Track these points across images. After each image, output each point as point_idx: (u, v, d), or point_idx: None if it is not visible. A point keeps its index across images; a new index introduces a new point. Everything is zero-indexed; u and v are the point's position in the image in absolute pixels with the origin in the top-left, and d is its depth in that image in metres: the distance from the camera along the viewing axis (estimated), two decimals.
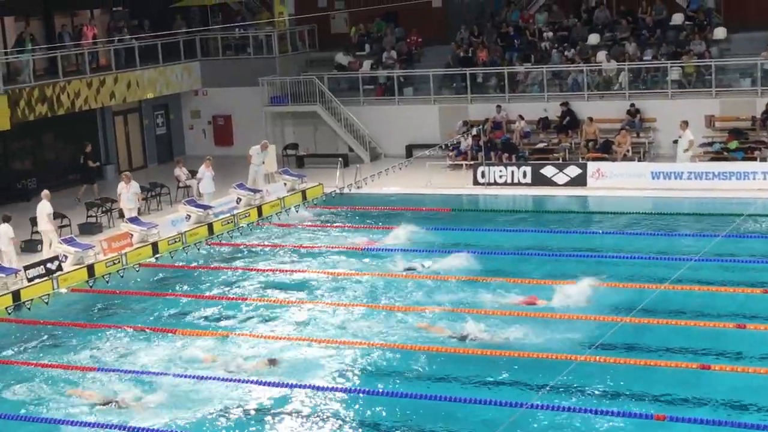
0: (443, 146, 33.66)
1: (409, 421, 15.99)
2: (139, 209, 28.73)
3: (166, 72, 36.93)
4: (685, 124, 30.68)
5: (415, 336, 19.33)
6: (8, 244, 24.50)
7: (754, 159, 30.50)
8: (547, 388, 16.11)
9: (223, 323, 21.03)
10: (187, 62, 38.17)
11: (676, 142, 31.10)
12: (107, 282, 23.95)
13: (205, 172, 30.16)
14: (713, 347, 17.97)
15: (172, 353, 19.29)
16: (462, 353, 18.42)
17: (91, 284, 24.09)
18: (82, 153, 32.68)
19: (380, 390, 17.19)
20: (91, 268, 24.73)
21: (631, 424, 15.30)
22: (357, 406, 16.70)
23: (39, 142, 34.44)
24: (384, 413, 16.34)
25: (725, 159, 30.74)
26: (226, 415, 16.67)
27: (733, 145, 31.31)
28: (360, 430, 15.96)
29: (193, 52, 38.85)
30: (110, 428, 16.28)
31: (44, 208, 25.74)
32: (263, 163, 32.14)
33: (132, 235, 26.56)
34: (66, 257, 24.86)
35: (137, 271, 24.87)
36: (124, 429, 16.13)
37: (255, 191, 30.56)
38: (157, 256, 26.23)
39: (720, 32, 35.12)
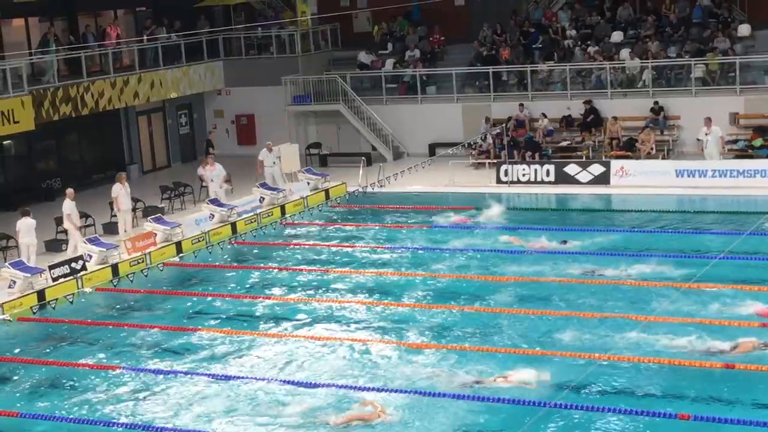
0: (466, 145, 33.64)
1: None
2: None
3: (189, 72, 37.05)
4: (709, 120, 30.51)
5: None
6: (26, 236, 24.63)
7: None
8: None
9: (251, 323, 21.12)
10: (210, 62, 38.28)
11: (699, 140, 30.87)
12: (131, 281, 24.05)
13: (207, 172, 30.62)
14: None
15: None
16: None
17: (115, 283, 24.19)
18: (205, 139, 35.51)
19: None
20: (115, 268, 24.83)
21: None
22: None
23: (63, 142, 34.66)
24: None
25: (750, 156, 30.57)
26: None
27: (758, 142, 31.13)
28: None
29: (216, 51, 38.97)
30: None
31: (67, 207, 25.89)
32: (273, 164, 32.11)
33: (156, 234, 26.65)
34: (90, 257, 24.98)
35: (161, 270, 24.97)
36: None
37: (278, 190, 30.61)
38: (180, 255, 26.33)
39: (744, 29, 34.92)
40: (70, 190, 26.45)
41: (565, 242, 24.32)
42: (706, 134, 30.37)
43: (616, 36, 36.29)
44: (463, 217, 27.95)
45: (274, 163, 32.14)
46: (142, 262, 25.40)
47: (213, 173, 30.32)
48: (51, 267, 23.82)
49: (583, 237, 25.12)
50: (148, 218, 27.72)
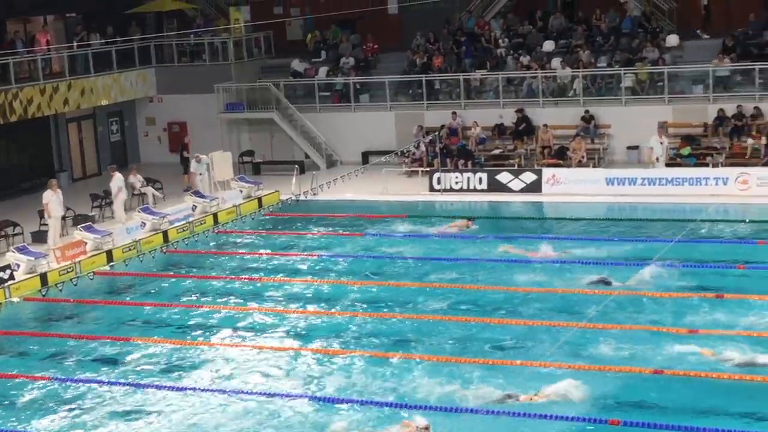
0: (399, 153, 33.72)
1: None
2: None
3: (120, 79, 36.69)
4: (662, 129, 30.90)
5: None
6: None
7: (706, 165, 30.81)
8: None
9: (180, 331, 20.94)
10: (141, 69, 37.94)
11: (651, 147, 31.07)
12: (60, 290, 23.72)
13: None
14: None
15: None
16: None
17: (44, 293, 23.83)
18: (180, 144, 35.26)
19: None
20: (44, 277, 24.46)
21: None
22: None
23: None
24: None
25: (678, 165, 31.04)
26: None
27: (686, 151, 31.60)
28: None
29: (148, 58, 38.62)
30: None
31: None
32: (201, 174, 31.87)
33: (86, 243, 26.32)
34: (18, 266, 24.58)
35: (91, 279, 24.67)
36: None
37: (211, 198, 30.40)
38: (111, 264, 26.02)
39: (673, 39, 35.48)
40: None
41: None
42: (661, 142, 30.71)
43: (548, 45, 36.66)
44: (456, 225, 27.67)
45: (200, 174, 31.83)
46: (72, 271, 25.05)
47: (112, 183, 29.72)
48: None
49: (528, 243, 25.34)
50: (78, 227, 27.36)
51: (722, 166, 30.52)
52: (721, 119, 32.08)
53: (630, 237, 25.53)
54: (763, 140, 30.83)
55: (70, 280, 24.35)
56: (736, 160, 30.90)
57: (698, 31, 35.93)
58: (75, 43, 35.95)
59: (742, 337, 18.32)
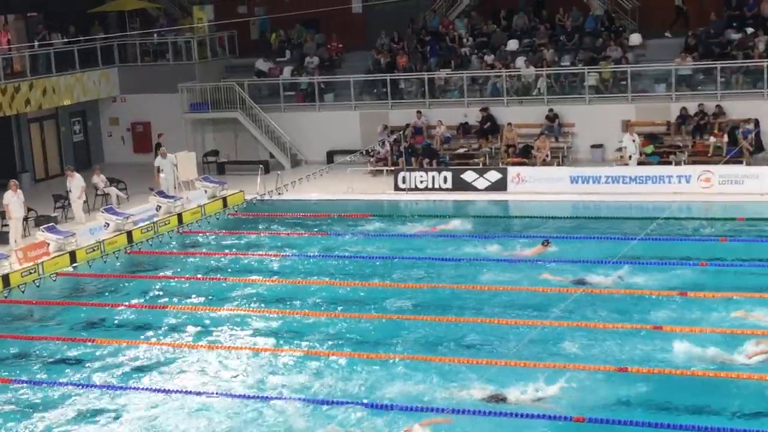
0: (364, 152, 33.70)
1: None
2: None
3: (83, 78, 36.43)
4: (631, 127, 31.07)
5: None
6: None
7: (669, 163, 31.04)
8: None
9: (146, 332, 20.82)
10: (105, 68, 37.69)
11: (625, 147, 31.23)
12: (23, 292, 23.51)
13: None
14: None
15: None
16: None
17: (6, 295, 23.62)
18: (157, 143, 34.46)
19: None
20: (6, 278, 24.22)
21: None
22: None
23: None
24: None
25: (641, 163, 31.22)
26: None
27: (649, 149, 31.80)
28: None
29: (111, 58, 38.36)
30: None
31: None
32: (162, 171, 31.67)
33: (48, 244, 26.10)
34: None
35: (54, 280, 24.48)
36: None
37: (175, 198, 30.25)
38: (74, 265, 25.82)
39: (635, 38, 35.70)
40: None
41: (547, 243, 23.16)
42: (633, 141, 30.87)
43: (512, 44, 36.77)
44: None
45: (161, 170, 31.63)
46: (35, 272, 24.83)
47: (72, 184, 29.66)
48: None
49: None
50: (41, 228, 27.12)
51: (685, 164, 30.77)
52: (684, 118, 32.32)
53: (594, 235, 25.64)
54: (725, 138, 31.10)
55: (33, 281, 24.15)
56: (699, 158, 31.13)
57: (667, 33, 36.10)
58: (36, 43, 35.65)
59: (705, 334, 18.46)
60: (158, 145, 34.64)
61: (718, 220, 26.48)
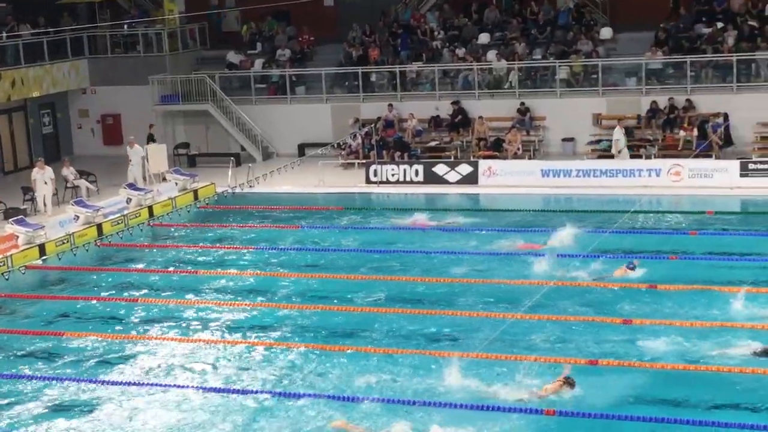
0: (335, 145, 33.67)
1: None
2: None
3: (52, 70, 36.18)
4: (620, 122, 31.20)
5: None
6: None
7: (639, 156, 31.20)
8: None
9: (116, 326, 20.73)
10: (74, 60, 37.44)
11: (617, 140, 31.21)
12: None
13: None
14: None
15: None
16: None
17: None
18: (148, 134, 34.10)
19: None
20: None
21: None
22: None
23: None
24: None
25: (612, 156, 31.36)
26: None
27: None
28: None
29: (81, 49, 38.10)
30: None
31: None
32: (131, 161, 31.61)
33: (17, 236, 25.91)
34: None
35: (23, 273, 24.32)
36: None
37: (145, 191, 30.10)
38: (44, 257, 25.66)
39: (606, 32, 35.83)
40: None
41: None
42: (624, 134, 30.97)
43: (483, 38, 36.80)
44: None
45: (131, 162, 31.49)
46: (3, 265, 24.65)
47: (45, 175, 29.60)
48: None
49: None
50: (9, 220, 26.92)
51: (655, 157, 30.95)
52: (654, 111, 32.49)
53: (566, 228, 25.68)
54: (695, 132, 31.28)
55: (2, 274, 23.99)
56: (669, 151, 31.34)
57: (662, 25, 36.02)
58: (5, 34, 35.34)
59: (674, 327, 18.57)
60: (150, 136, 34.50)
61: (688, 214, 26.62)
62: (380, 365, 17.68)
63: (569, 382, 16.11)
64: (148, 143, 34.02)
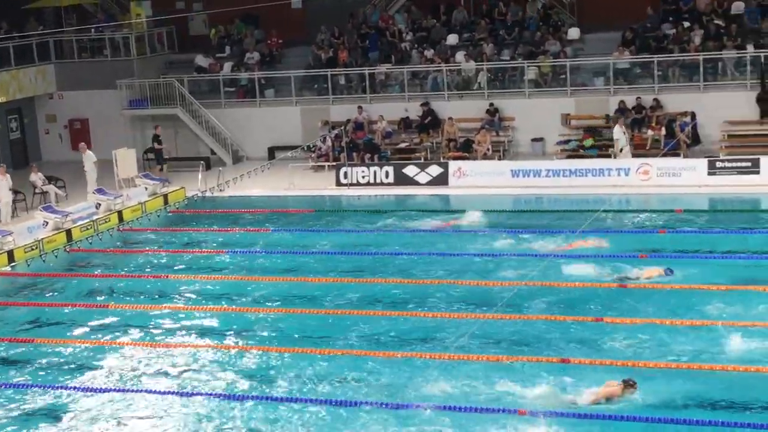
0: (305, 148, 33.64)
1: None
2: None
3: (19, 75, 35.97)
4: (620, 120, 31.25)
5: None
6: None
7: (608, 156, 31.36)
8: None
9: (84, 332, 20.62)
10: (41, 65, 37.23)
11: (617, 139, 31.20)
12: None
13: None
14: None
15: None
16: None
17: None
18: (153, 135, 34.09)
19: None
20: None
21: None
22: None
23: None
24: None
25: (581, 156, 31.52)
26: None
27: (589, 143, 32.13)
28: None
29: (47, 54, 37.87)
30: None
31: None
32: (85, 167, 31.47)
33: None
34: None
35: None
36: None
37: (115, 196, 29.94)
38: (12, 264, 25.47)
39: (574, 32, 36.00)
40: None
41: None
42: (624, 133, 31.06)
43: (452, 39, 36.88)
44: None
45: (85, 168, 31.34)
46: None
47: (5, 183, 29.34)
48: None
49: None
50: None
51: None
52: (622, 111, 32.65)
53: (535, 228, 25.79)
54: (663, 131, 31.47)
55: None
56: (637, 151, 31.49)
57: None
58: None
59: (645, 325, 18.69)
60: (155, 137, 34.27)
61: (657, 212, 26.77)
62: (353, 366, 17.67)
63: (630, 384, 15.95)
64: (153, 144, 33.96)
